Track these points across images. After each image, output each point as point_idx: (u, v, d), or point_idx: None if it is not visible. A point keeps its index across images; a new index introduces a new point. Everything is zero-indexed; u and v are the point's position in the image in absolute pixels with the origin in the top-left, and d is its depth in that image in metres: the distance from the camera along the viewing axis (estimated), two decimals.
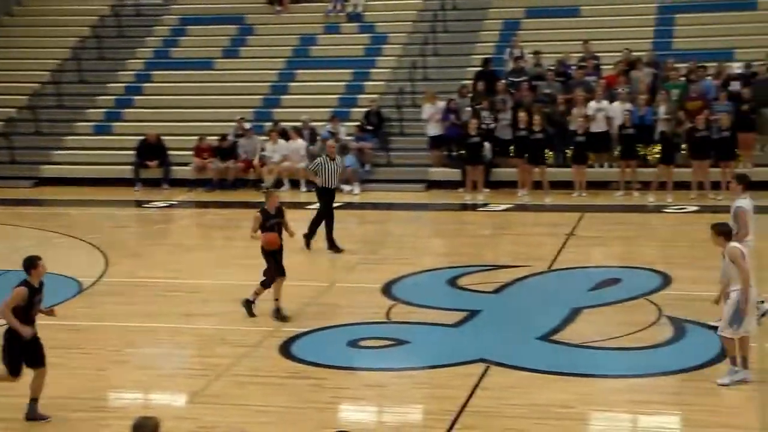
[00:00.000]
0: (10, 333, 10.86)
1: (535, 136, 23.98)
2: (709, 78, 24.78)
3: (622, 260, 18.19)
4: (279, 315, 14.44)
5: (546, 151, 24.27)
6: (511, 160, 24.67)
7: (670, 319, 13.99)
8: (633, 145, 23.76)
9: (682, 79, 24.96)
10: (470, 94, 25.92)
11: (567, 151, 24.33)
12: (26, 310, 10.81)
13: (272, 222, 14.66)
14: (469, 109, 25.38)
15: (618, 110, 24.07)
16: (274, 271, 14.52)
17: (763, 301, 13.33)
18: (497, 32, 29.50)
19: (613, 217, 21.93)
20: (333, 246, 18.55)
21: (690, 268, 16.73)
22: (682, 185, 23.08)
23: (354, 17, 31.37)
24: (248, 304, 14.63)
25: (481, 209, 23.18)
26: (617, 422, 10.96)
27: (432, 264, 17.56)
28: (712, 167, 23.21)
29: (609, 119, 24.15)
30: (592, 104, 24.29)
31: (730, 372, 11.49)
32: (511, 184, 24.23)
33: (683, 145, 23.68)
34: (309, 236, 18.69)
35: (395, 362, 13.03)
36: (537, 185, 23.85)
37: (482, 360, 12.59)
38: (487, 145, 24.50)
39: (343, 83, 29.00)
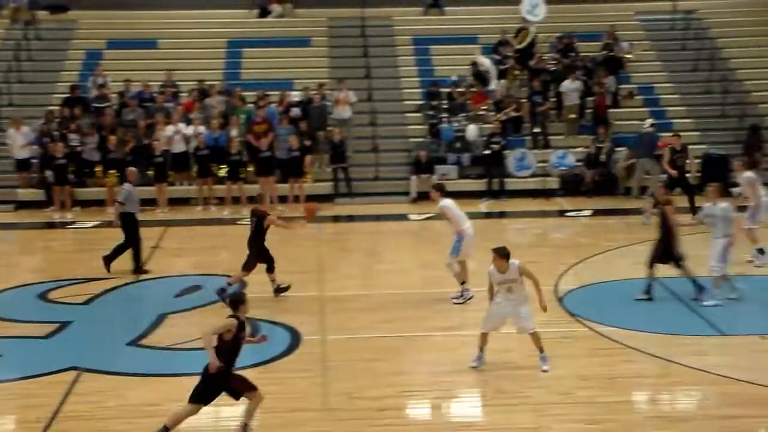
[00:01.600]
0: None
1: (125, 157, 23.44)
2: (273, 105, 25.51)
3: (202, 268, 18.24)
4: (223, 293, 14.68)
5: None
6: (99, 180, 24.02)
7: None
8: (208, 165, 23.96)
9: (250, 105, 25.52)
10: (57, 119, 24.97)
11: (149, 171, 24.04)
12: (233, 344, 9.48)
13: None
14: (57, 133, 24.42)
15: (194, 133, 24.17)
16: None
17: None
18: (81, 62, 28.60)
19: (193, 230, 21.96)
20: (139, 269, 17.17)
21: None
22: (253, 200, 23.57)
23: None
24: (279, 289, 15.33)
25: (69, 227, 22.36)
26: (200, 415, 10.94)
27: (23, 280, 16.67)
28: (280, 183, 23.91)
29: (187, 141, 24.19)
30: (171, 128, 24.21)
31: (543, 358, 11.97)
32: (99, 203, 23.54)
33: (250, 165, 24.22)
34: (110, 260, 17.19)
35: None
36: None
37: (74, 368, 12.19)
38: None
39: None
